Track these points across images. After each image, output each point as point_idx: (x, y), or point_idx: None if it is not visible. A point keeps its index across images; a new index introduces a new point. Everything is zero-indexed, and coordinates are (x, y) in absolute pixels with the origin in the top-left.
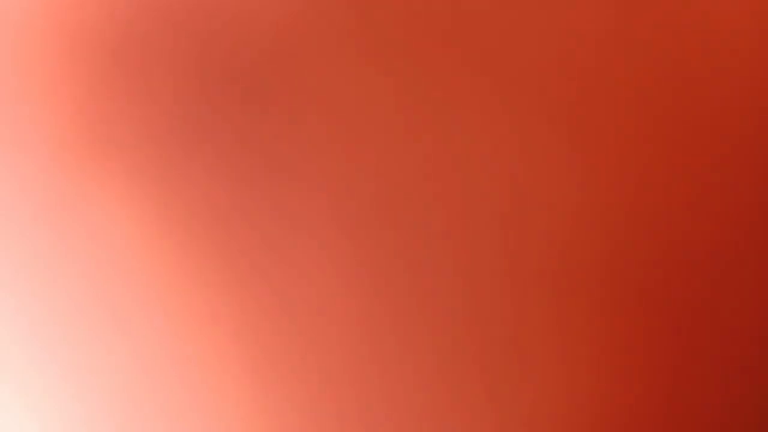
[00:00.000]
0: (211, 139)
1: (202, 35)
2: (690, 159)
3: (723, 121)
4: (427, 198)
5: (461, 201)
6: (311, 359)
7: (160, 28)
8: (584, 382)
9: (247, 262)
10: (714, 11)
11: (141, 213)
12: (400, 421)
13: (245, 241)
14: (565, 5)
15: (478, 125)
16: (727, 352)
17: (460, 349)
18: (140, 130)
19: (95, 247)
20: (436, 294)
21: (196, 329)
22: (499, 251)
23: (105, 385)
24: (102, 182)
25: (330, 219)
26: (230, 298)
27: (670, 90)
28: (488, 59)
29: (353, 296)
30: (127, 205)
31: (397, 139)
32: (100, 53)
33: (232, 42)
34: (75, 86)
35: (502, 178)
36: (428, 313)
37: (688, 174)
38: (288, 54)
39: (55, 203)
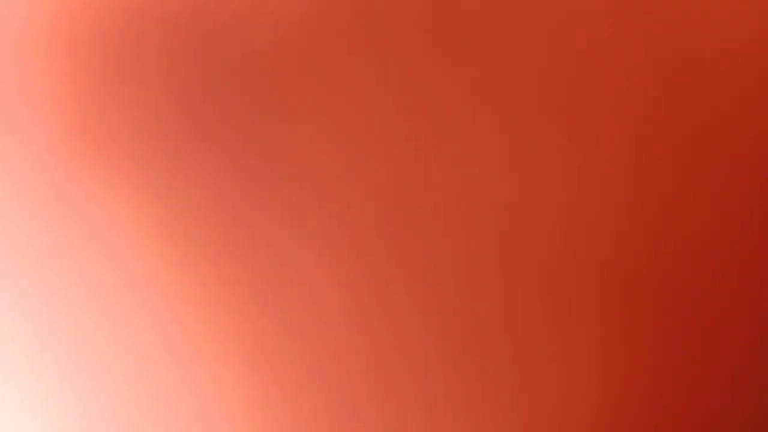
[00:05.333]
0: (211, 139)
1: (204, 35)
2: (690, 157)
3: (724, 120)
4: (425, 199)
5: (459, 201)
6: (311, 359)
7: (162, 28)
8: (583, 382)
9: (247, 262)
10: (715, 10)
11: (141, 212)
12: (398, 420)
13: (246, 241)
14: (560, 1)
15: (477, 125)
16: (728, 352)
17: (458, 349)
18: (141, 129)
19: (95, 245)
20: (434, 294)
21: (196, 328)
22: (496, 251)
23: (105, 384)
24: (102, 182)
25: (329, 219)
26: (230, 298)
27: (669, 86)
28: (486, 60)
29: (353, 296)
30: (127, 205)
31: (397, 141)
32: (101, 53)
33: (234, 42)
34: (76, 86)
35: (500, 177)
36: (426, 313)
37: (688, 172)
38: (289, 55)
39: (55, 202)
